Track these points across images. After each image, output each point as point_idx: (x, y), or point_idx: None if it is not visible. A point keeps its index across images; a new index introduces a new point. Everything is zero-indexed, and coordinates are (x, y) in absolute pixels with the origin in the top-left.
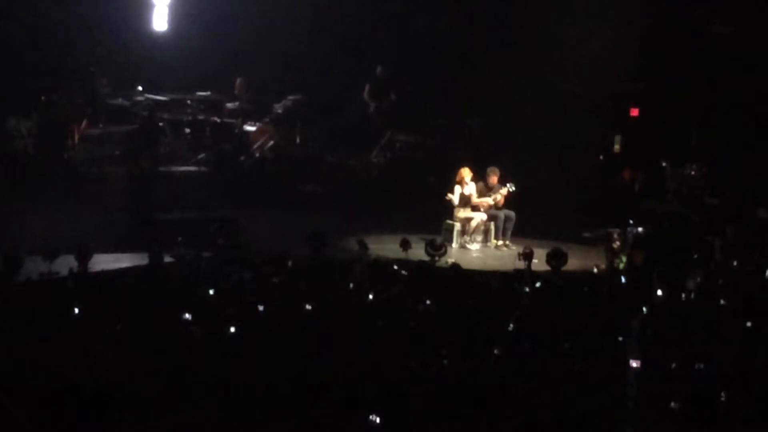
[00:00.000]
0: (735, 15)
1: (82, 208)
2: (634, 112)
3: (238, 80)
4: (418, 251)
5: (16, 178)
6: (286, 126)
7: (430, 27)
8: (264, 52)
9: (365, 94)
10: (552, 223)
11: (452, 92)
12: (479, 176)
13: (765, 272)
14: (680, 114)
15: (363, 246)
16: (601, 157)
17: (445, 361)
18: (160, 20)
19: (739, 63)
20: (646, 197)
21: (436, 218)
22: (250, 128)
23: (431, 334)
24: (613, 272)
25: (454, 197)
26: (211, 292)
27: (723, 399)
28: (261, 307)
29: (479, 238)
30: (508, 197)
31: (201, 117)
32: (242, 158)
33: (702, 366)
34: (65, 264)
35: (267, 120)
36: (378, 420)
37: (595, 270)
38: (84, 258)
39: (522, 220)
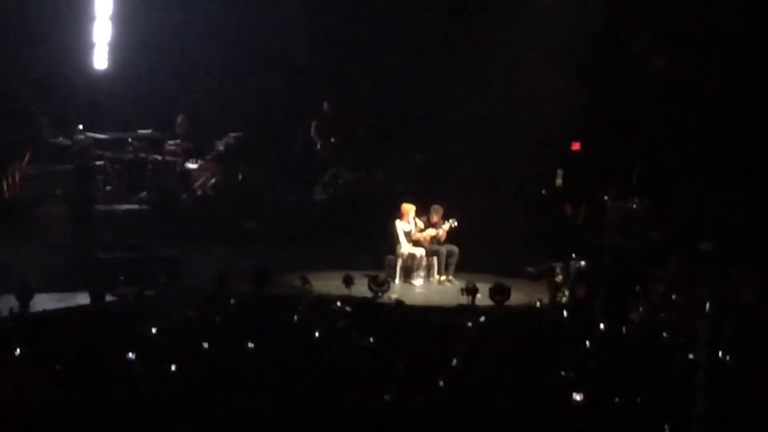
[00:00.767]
0: (675, 49)
1: (23, 247)
2: (576, 146)
3: (179, 118)
4: (361, 287)
5: None
6: (228, 163)
7: (374, 63)
8: (205, 89)
9: (312, 131)
10: (495, 258)
11: (394, 127)
12: (423, 211)
13: (706, 305)
14: (622, 148)
15: (306, 282)
16: (543, 192)
17: (387, 397)
18: (100, 59)
19: (680, 97)
20: (588, 231)
21: (378, 254)
22: (191, 166)
23: (374, 370)
24: (555, 306)
25: (397, 232)
26: (154, 330)
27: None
28: (205, 345)
29: (422, 273)
30: (451, 232)
31: (142, 155)
32: (184, 196)
33: (644, 399)
34: (6, 304)
35: (209, 157)
36: None
37: (538, 304)
38: (25, 298)
39: (465, 255)
